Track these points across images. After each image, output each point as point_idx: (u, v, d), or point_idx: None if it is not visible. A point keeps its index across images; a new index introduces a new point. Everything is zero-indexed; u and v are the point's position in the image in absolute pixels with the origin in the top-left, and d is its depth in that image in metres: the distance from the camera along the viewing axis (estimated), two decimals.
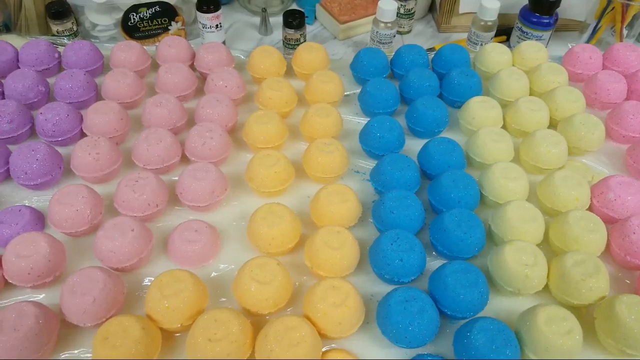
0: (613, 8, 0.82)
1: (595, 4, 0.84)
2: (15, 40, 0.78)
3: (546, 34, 0.83)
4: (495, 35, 0.86)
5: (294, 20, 0.81)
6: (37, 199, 0.62)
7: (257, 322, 0.51)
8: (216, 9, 0.80)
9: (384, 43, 0.83)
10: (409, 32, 0.94)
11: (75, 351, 0.49)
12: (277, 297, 0.50)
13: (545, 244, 0.58)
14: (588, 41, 0.87)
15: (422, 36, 0.94)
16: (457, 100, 0.73)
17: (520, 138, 0.69)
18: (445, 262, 0.53)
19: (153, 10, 0.83)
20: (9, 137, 0.66)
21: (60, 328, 0.49)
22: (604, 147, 0.69)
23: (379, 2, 0.79)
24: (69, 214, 0.56)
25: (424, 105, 0.68)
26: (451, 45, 0.79)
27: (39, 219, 0.59)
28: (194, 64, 0.77)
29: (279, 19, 0.84)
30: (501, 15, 0.83)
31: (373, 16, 0.82)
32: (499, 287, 0.53)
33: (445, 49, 0.78)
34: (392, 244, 0.52)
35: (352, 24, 0.90)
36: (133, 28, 0.83)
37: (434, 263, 0.55)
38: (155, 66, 0.78)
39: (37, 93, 0.71)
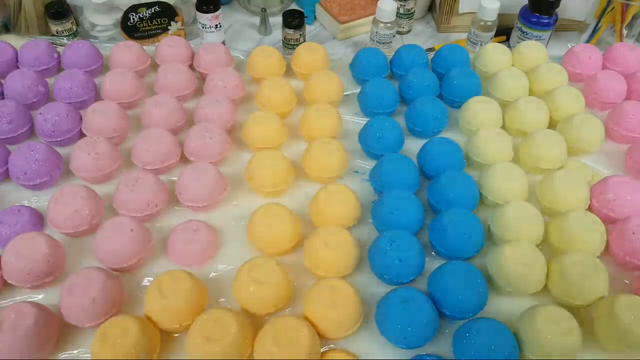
0: (613, 8, 0.82)
1: (595, 4, 0.84)
2: (14, 41, 0.78)
3: (546, 34, 0.83)
4: (495, 35, 0.86)
5: (294, 20, 0.81)
6: (36, 199, 0.62)
7: (256, 322, 0.51)
8: (216, 9, 0.80)
9: (383, 43, 0.83)
10: (408, 32, 0.94)
11: (75, 351, 0.49)
12: (276, 297, 0.50)
13: (545, 244, 0.58)
14: (588, 41, 0.87)
15: (422, 36, 0.94)
16: (457, 100, 0.73)
17: (520, 138, 0.69)
18: (444, 262, 0.53)
19: (152, 11, 0.83)
20: (8, 137, 0.66)
21: (59, 328, 0.49)
22: (603, 147, 0.69)
23: (379, 2, 0.79)
24: (68, 214, 0.56)
25: (424, 105, 0.68)
26: (451, 45, 0.79)
27: (38, 219, 0.59)
28: (194, 64, 0.77)
29: (279, 19, 0.84)
30: (501, 15, 0.83)
31: (372, 16, 0.82)
32: (498, 287, 0.53)
33: (444, 49, 0.78)
34: (391, 244, 0.52)
35: (352, 24, 0.90)
36: (132, 28, 0.83)
37: (433, 263, 0.55)
38: (154, 66, 0.78)
39: (36, 93, 0.71)
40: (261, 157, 0.61)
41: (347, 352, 0.49)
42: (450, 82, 0.73)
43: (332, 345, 0.50)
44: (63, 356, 0.49)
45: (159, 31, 0.85)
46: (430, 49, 0.87)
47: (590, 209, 0.60)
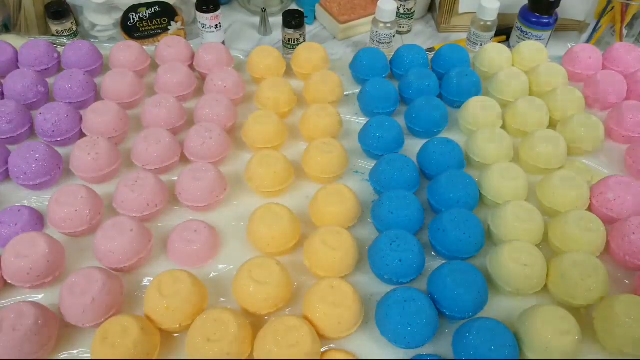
0: (613, 8, 0.82)
1: (595, 3, 0.84)
2: (14, 41, 0.78)
3: (546, 34, 0.83)
4: (495, 35, 0.86)
5: (294, 20, 0.81)
6: (36, 199, 0.62)
7: (256, 323, 0.51)
8: (216, 9, 0.80)
9: (383, 43, 0.83)
10: (408, 32, 0.94)
11: (75, 351, 0.49)
12: (276, 297, 0.50)
13: (545, 244, 0.58)
14: (588, 41, 0.87)
15: (422, 36, 0.94)
16: (457, 100, 0.73)
17: (520, 138, 0.69)
18: (444, 262, 0.53)
19: (152, 10, 0.83)
20: (8, 137, 0.66)
21: (59, 328, 0.49)
22: (603, 147, 0.69)
23: (379, 2, 0.79)
24: (68, 214, 0.56)
25: (424, 105, 0.68)
26: (451, 45, 0.79)
27: (38, 219, 0.59)
28: (193, 64, 0.77)
29: (279, 19, 0.84)
30: (501, 15, 0.83)
31: (372, 16, 0.82)
32: (498, 287, 0.53)
33: (444, 49, 0.78)
34: (391, 244, 0.52)
35: (352, 23, 0.90)
36: (132, 28, 0.83)
37: (433, 263, 0.55)
38: (154, 66, 0.78)
39: (36, 93, 0.71)
40: (261, 157, 0.61)
41: (347, 352, 0.49)
42: (450, 82, 0.73)
43: (332, 345, 0.50)
44: (63, 356, 0.49)
45: (159, 31, 0.85)
46: (430, 49, 0.87)
47: (590, 209, 0.60)
